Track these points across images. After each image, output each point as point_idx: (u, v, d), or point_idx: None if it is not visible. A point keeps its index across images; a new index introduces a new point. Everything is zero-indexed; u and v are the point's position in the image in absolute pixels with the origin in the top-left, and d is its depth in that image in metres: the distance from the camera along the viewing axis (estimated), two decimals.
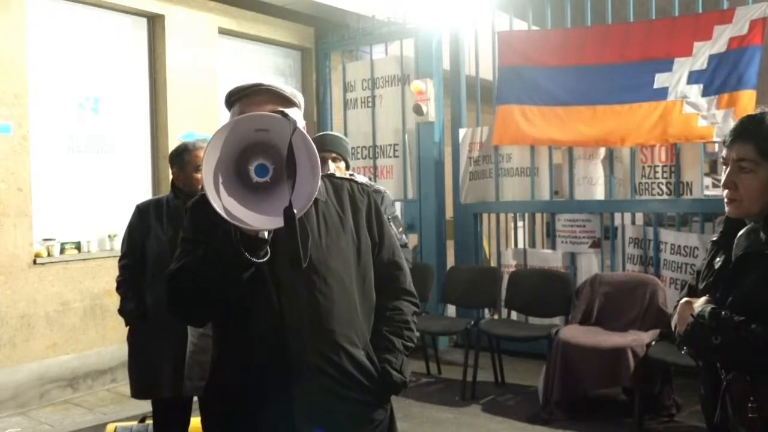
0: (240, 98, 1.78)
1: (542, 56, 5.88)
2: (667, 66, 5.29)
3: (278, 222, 1.53)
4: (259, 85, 1.78)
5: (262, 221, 1.54)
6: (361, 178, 3.23)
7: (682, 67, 5.23)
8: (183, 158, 3.26)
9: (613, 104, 5.51)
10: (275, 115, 1.56)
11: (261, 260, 1.60)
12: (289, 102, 1.80)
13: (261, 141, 1.57)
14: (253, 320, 1.75)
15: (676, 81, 5.25)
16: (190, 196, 3.20)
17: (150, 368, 3.29)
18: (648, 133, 5.33)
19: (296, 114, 1.80)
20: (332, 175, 2.00)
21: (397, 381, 1.88)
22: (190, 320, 2.02)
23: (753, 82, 4.95)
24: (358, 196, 1.93)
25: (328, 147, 3.42)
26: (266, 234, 1.60)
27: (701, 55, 5.15)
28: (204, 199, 1.54)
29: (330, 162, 3.41)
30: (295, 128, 1.53)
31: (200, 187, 3.18)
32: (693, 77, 5.18)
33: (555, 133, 5.76)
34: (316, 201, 1.78)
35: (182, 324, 3.09)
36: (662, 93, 5.30)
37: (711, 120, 5.02)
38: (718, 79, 5.07)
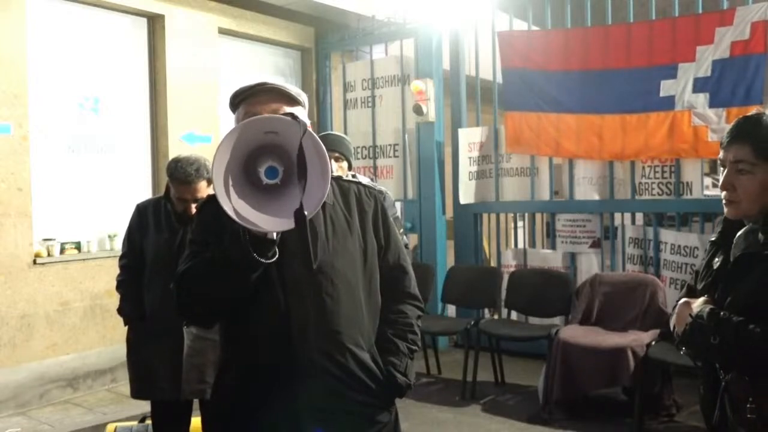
0: (245, 98, 1.79)
1: (545, 59, 5.87)
2: (671, 72, 5.29)
3: (288, 224, 1.54)
4: (264, 84, 1.78)
5: (272, 223, 1.55)
6: (363, 179, 3.24)
7: (687, 73, 5.23)
8: (170, 179, 3.22)
9: (621, 113, 5.51)
10: (285, 117, 1.57)
11: (269, 261, 1.60)
12: (294, 101, 1.80)
13: (270, 143, 1.57)
14: (259, 320, 1.76)
15: (682, 88, 5.24)
16: (177, 209, 3.21)
17: (147, 369, 3.29)
18: (659, 146, 5.36)
19: (301, 113, 1.80)
20: (339, 178, 2.01)
21: (401, 384, 1.88)
22: (198, 321, 2.02)
23: (759, 97, 4.95)
24: (365, 199, 1.93)
25: (331, 147, 3.43)
26: (275, 235, 1.60)
27: (704, 60, 5.14)
28: (213, 201, 1.54)
29: (333, 162, 3.42)
30: (306, 131, 1.53)
31: (183, 202, 3.19)
32: (698, 85, 5.18)
33: (571, 144, 5.77)
34: (323, 203, 1.79)
35: (181, 325, 3.10)
36: (669, 102, 5.30)
37: (721, 134, 4.99)
38: (724, 89, 5.07)
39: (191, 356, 3.18)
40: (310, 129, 1.56)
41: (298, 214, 1.50)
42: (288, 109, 1.75)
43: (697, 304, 1.78)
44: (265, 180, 1.57)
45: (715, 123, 5.11)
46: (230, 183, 1.54)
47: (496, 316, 5.88)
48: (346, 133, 6.78)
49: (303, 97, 1.84)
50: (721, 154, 1.81)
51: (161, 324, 3.18)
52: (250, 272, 1.64)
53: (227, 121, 1.88)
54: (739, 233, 1.76)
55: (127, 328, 3.44)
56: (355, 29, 6.86)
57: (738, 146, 1.76)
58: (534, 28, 6.21)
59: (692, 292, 1.89)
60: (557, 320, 5.38)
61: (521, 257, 6.21)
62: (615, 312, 4.88)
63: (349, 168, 3.60)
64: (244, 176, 1.59)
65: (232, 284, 1.67)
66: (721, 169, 1.81)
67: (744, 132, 1.76)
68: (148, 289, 3.29)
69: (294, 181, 1.56)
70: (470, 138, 6.38)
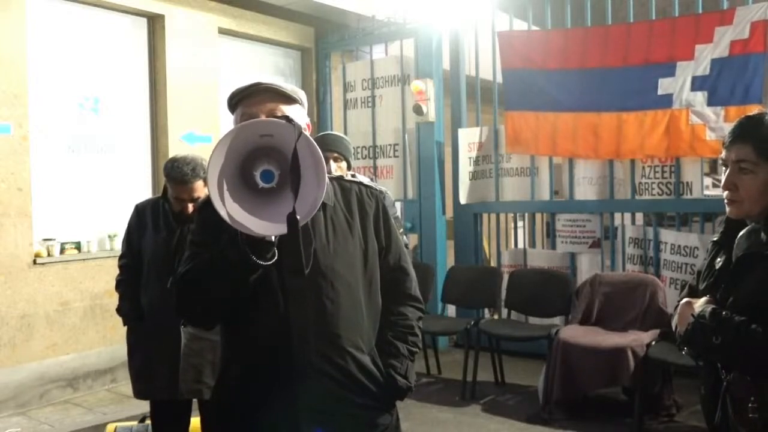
0: (241, 99, 1.77)
1: (545, 59, 5.87)
2: (669, 70, 5.29)
3: (284, 228, 1.53)
4: (258, 84, 1.77)
5: (268, 227, 1.54)
6: (362, 179, 3.23)
7: (685, 71, 5.23)
8: (167, 179, 3.22)
9: (619, 111, 5.51)
10: (280, 120, 1.56)
11: (267, 263, 1.59)
12: (290, 99, 1.79)
13: (266, 146, 1.56)
14: (259, 323, 1.75)
15: (680, 87, 5.24)
16: (174, 209, 3.22)
17: (145, 369, 3.30)
18: (657, 145, 5.36)
19: (299, 111, 1.80)
20: (341, 178, 1.99)
21: (402, 386, 1.88)
22: (197, 322, 2.02)
23: (758, 96, 4.95)
24: (367, 199, 1.92)
25: (330, 147, 3.43)
26: (272, 237, 1.59)
27: (703, 59, 5.15)
28: (211, 202, 1.54)
29: (332, 162, 3.42)
30: (300, 134, 1.52)
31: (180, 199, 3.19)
32: (697, 83, 5.17)
33: (568, 143, 5.78)
34: (324, 205, 1.77)
35: (179, 324, 3.11)
36: (667, 100, 5.30)
37: (719, 133, 5.01)
38: (722, 88, 5.06)
39: (188, 356, 3.18)
40: (305, 132, 1.55)
41: (291, 219, 1.50)
42: (285, 109, 1.75)
43: (699, 303, 1.78)
44: (261, 183, 1.56)
45: (714, 121, 5.11)
46: (224, 186, 1.53)
47: (496, 316, 5.88)
48: (346, 133, 6.78)
49: (300, 94, 1.82)
50: (723, 154, 1.81)
51: (159, 323, 3.18)
52: (249, 273, 1.63)
53: (227, 121, 1.87)
54: (741, 233, 1.76)
55: (126, 328, 3.45)
56: (355, 29, 6.86)
57: (740, 146, 1.76)
58: (534, 28, 6.21)
59: (694, 292, 1.89)
60: (557, 320, 5.38)
61: (521, 257, 6.21)
62: (615, 312, 4.88)
63: (348, 168, 3.60)
64: (241, 179, 1.59)
65: (231, 285, 1.66)
66: (723, 168, 1.81)
67: (746, 132, 1.76)
68: (145, 289, 3.29)
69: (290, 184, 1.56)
70: (470, 138, 6.38)
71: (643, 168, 5.62)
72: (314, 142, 1.54)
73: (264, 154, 1.57)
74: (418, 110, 6.30)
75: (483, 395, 5.08)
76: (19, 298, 4.97)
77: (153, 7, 5.81)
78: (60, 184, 5.38)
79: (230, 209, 1.53)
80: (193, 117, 6.03)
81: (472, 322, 5.30)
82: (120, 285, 3.41)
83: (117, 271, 3.44)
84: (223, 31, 6.42)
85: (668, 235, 5.48)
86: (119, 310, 3.42)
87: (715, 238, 1.90)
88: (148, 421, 3.61)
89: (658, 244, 5.53)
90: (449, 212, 6.68)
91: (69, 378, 5.24)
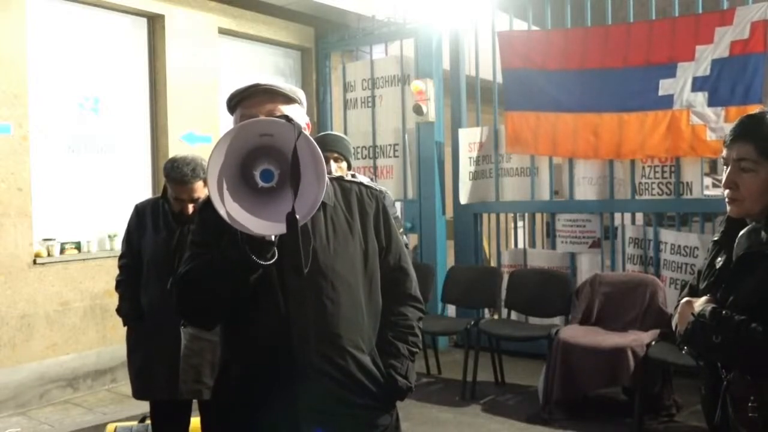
0: (240, 101, 1.78)
1: (545, 59, 5.88)
2: (670, 71, 5.29)
3: (283, 228, 1.53)
4: (257, 85, 1.77)
5: (267, 227, 1.54)
6: (362, 179, 3.24)
7: (686, 72, 5.23)
8: (167, 179, 3.22)
9: (620, 112, 5.51)
10: (280, 120, 1.56)
11: (268, 262, 1.59)
12: (289, 99, 1.79)
13: (266, 146, 1.56)
14: (259, 323, 1.75)
15: (681, 87, 5.25)
16: (174, 209, 3.22)
17: (145, 369, 3.30)
18: (658, 145, 5.36)
19: (298, 111, 1.80)
20: (341, 178, 1.99)
21: (402, 386, 1.88)
22: (198, 323, 2.02)
23: (758, 96, 4.96)
24: (367, 199, 1.92)
25: (330, 147, 3.43)
26: (272, 237, 1.59)
27: (704, 59, 5.15)
28: (212, 202, 1.54)
29: (332, 162, 3.42)
30: (300, 133, 1.52)
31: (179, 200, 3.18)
32: (697, 84, 5.18)
33: (568, 143, 5.78)
34: (324, 205, 1.78)
35: (178, 324, 3.11)
36: (668, 101, 5.30)
37: (719, 133, 5.01)
38: (723, 88, 5.07)
39: (188, 356, 3.17)
40: (305, 131, 1.55)
41: (290, 218, 1.50)
42: (284, 109, 1.75)
43: (700, 303, 1.78)
44: (261, 183, 1.56)
45: (714, 122, 5.12)
46: (224, 186, 1.53)
47: (496, 316, 5.88)
48: (346, 133, 6.78)
49: (299, 94, 1.82)
50: (724, 152, 1.82)
51: (158, 324, 3.18)
52: (249, 273, 1.63)
53: (227, 121, 1.87)
54: (742, 232, 1.76)
55: (126, 328, 3.45)
56: (355, 29, 6.86)
57: (741, 144, 1.76)
58: (534, 28, 6.21)
59: (694, 292, 1.89)
60: (557, 320, 5.38)
61: (521, 257, 6.21)
62: (615, 312, 4.88)
63: (348, 168, 3.60)
64: (241, 179, 1.58)
65: (232, 285, 1.66)
66: (724, 167, 1.81)
67: (747, 130, 1.76)
68: (145, 289, 3.29)
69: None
70: (470, 138, 6.38)
71: (643, 168, 5.62)
72: (314, 141, 1.54)
73: (264, 153, 1.57)
74: (418, 110, 6.30)
75: (483, 395, 5.08)
76: (19, 298, 4.97)
77: (153, 7, 5.80)
78: (60, 184, 5.38)
79: (230, 209, 1.52)
80: (193, 117, 6.03)
81: (472, 322, 5.30)
82: (120, 285, 3.41)
83: (117, 271, 3.44)
84: (223, 31, 6.42)
85: (668, 235, 5.48)
86: (119, 310, 3.42)
87: (715, 238, 1.90)
88: (148, 421, 3.60)
89: (658, 244, 5.53)
90: (449, 212, 6.68)
91: (69, 378, 5.24)
